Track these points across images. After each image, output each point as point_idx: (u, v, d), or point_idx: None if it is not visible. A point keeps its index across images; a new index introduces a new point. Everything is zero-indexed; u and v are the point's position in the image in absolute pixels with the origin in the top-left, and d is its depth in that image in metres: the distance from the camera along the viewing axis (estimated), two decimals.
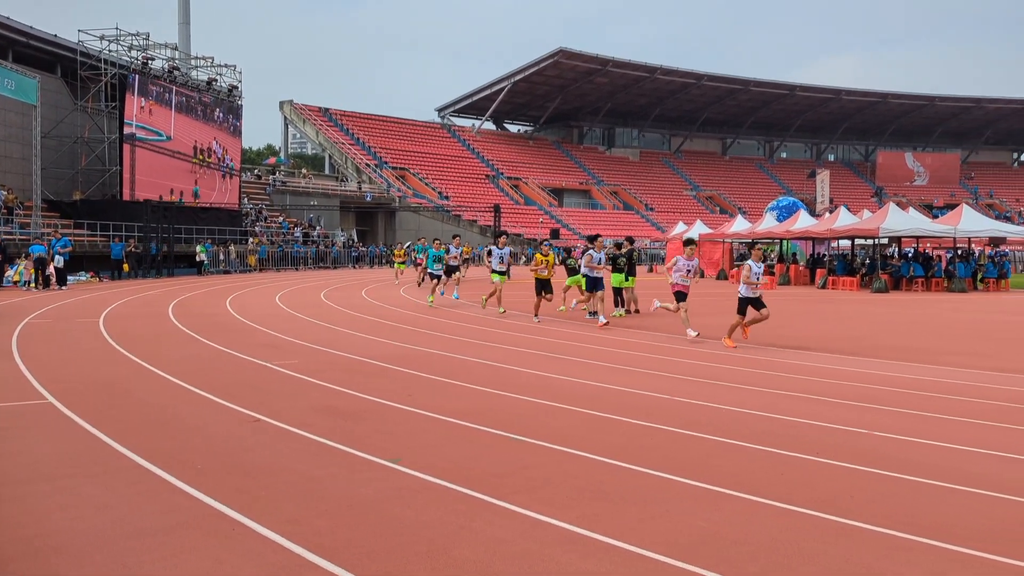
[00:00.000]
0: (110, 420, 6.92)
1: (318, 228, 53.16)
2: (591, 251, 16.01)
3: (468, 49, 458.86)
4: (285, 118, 71.39)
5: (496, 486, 5.11)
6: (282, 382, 8.94)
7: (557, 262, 18.81)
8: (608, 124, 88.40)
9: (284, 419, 7.00)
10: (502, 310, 17.67)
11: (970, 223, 29.87)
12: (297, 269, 44.14)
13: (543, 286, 16.38)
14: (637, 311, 17.95)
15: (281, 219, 51.75)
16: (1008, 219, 73.71)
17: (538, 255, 16.72)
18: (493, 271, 18.33)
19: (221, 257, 39.61)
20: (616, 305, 17.57)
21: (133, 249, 33.64)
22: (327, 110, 72.35)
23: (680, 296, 13.31)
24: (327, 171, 69.83)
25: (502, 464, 5.64)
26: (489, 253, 20.40)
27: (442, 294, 21.15)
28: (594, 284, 15.76)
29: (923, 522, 4.51)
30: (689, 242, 13.79)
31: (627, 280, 17.59)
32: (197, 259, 37.96)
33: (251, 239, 44.68)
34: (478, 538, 4.23)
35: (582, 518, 4.52)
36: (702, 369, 10.17)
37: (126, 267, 32.93)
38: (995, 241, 34.60)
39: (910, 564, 3.94)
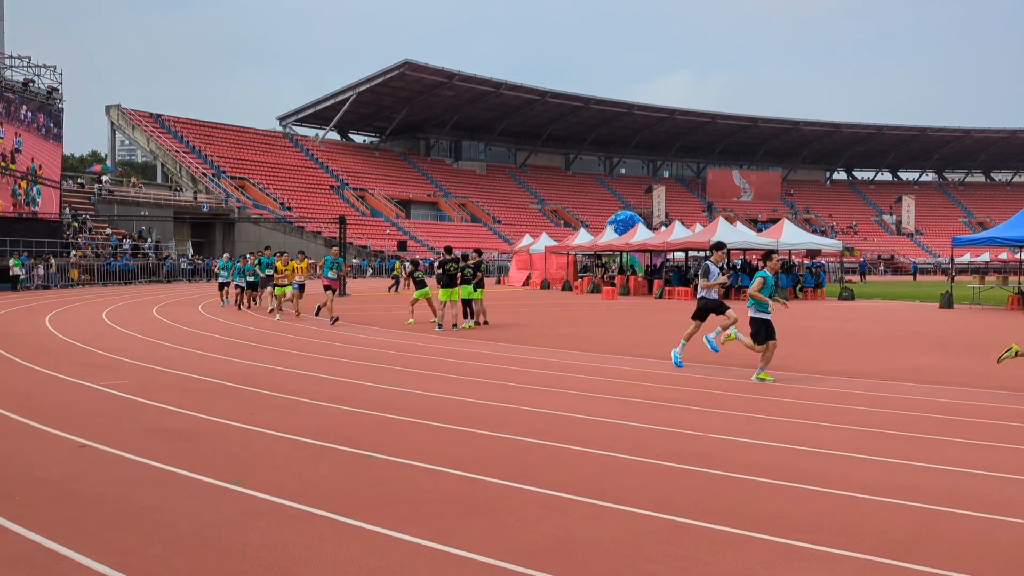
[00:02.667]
0: None
1: (149, 240, 50.26)
2: (708, 263, 11.80)
3: (312, 58, 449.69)
4: (112, 123, 67.15)
5: (345, 504, 5.00)
6: (111, 404, 8.38)
7: (404, 275, 18.74)
8: (455, 137, 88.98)
9: (114, 443, 6.56)
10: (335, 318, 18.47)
11: (791, 236, 32.34)
12: (127, 284, 41.55)
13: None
14: (486, 322, 18.13)
15: (108, 230, 48.56)
16: (823, 233, 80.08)
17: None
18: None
19: (40, 271, 36.67)
20: (465, 317, 17.67)
21: None
22: (159, 116, 68.69)
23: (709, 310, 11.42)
24: (159, 180, 66.20)
25: (351, 482, 5.53)
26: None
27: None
28: (717, 308, 11.63)
29: (754, 517, 4.80)
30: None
31: (475, 292, 17.73)
32: (11, 273, 34.95)
33: (74, 252, 41.65)
34: (326, 559, 4.12)
35: (433, 532, 4.50)
36: (549, 378, 10.39)
37: None
38: (812, 253, 37.57)
39: (742, 556, 4.17)
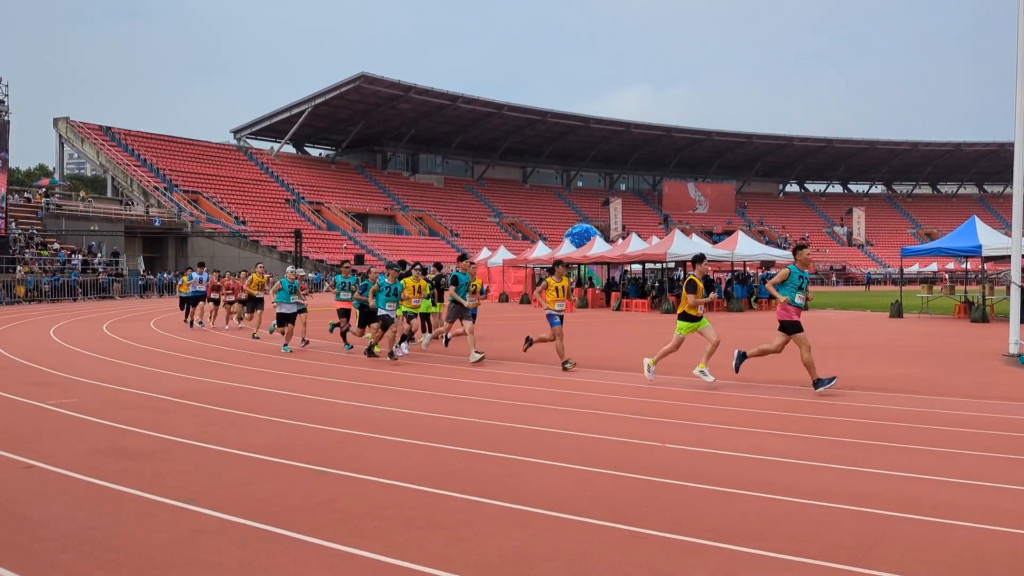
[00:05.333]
0: None
1: (99, 255, 49.21)
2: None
3: (266, 71, 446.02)
4: (60, 136, 65.75)
5: (302, 521, 4.93)
6: (59, 423, 8.17)
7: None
8: (412, 150, 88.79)
9: (61, 463, 6.40)
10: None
11: (745, 248, 32.85)
12: (75, 300, 40.63)
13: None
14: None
15: (56, 245, 47.44)
16: (778, 245, 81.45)
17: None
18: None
19: None
20: (424, 331, 17.58)
21: None
22: (109, 128, 67.45)
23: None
24: (109, 194, 64.90)
25: (308, 498, 5.46)
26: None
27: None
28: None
29: (708, 525, 4.85)
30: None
31: (435, 306, 17.66)
32: None
33: (20, 267, 40.62)
34: None
35: (391, 547, 4.47)
36: (506, 391, 10.39)
37: None
38: (766, 264, 38.17)
39: (698, 565, 4.21)
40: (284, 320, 15.76)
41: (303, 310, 16.24)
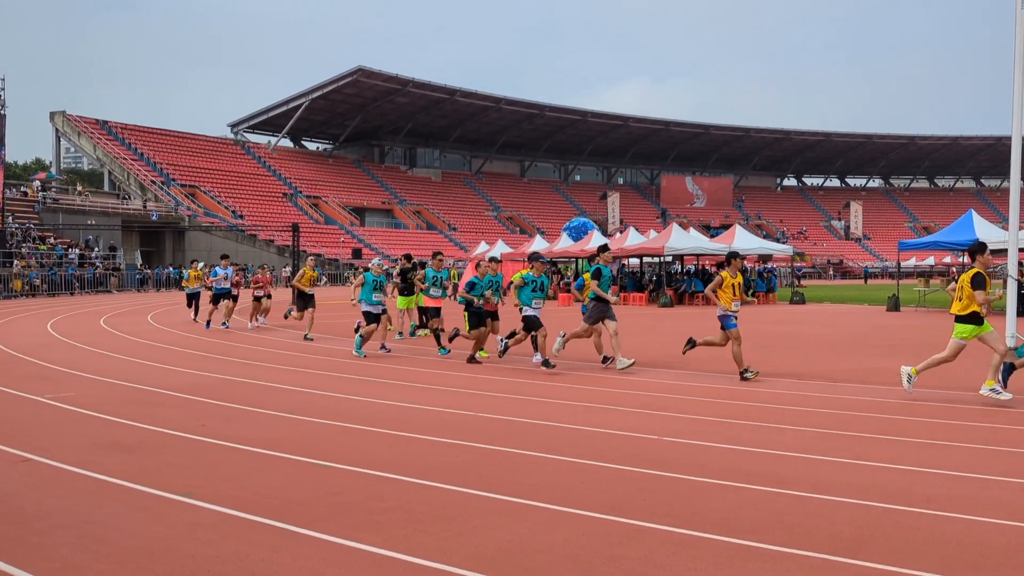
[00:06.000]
0: None
1: (96, 249, 49.13)
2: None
3: (263, 65, 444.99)
4: (57, 130, 65.56)
5: (301, 515, 4.94)
6: (57, 417, 8.17)
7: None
8: (410, 144, 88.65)
9: (59, 457, 6.40)
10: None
11: (742, 241, 32.83)
12: (72, 294, 40.58)
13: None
14: (443, 330, 18.04)
15: (53, 239, 47.35)
16: (776, 239, 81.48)
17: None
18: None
19: None
20: (421, 325, 17.58)
21: None
22: (106, 123, 67.29)
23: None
24: (106, 188, 64.78)
25: (307, 492, 5.47)
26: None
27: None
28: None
29: (706, 518, 4.87)
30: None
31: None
32: None
33: (17, 261, 40.55)
34: (282, 570, 4.07)
35: (391, 540, 4.48)
36: (503, 385, 10.40)
37: None
38: (763, 258, 38.19)
39: (696, 558, 4.23)
40: (371, 319, 13.65)
41: (384, 310, 14.02)
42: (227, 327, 19.11)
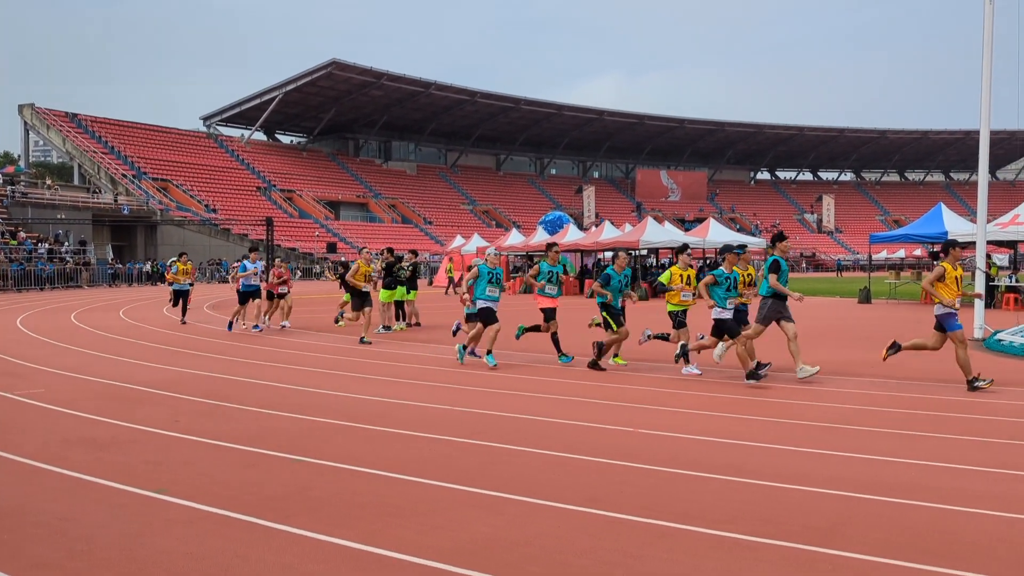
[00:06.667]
0: None
1: (66, 244, 48.43)
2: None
3: (236, 57, 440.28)
4: (26, 123, 64.46)
5: (276, 510, 4.92)
6: (26, 414, 8.06)
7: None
8: (385, 137, 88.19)
9: (30, 454, 6.32)
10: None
11: (716, 235, 33.13)
12: (43, 289, 39.99)
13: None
14: (418, 324, 18.05)
15: (22, 234, 46.59)
16: (750, 233, 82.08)
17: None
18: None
19: None
20: (397, 319, 17.56)
21: None
22: (75, 115, 66.24)
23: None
24: (76, 182, 63.83)
25: (281, 487, 5.45)
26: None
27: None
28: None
29: (681, 509, 4.91)
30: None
31: (408, 293, 17.65)
32: None
33: None
34: (256, 566, 4.05)
35: (366, 535, 4.47)
36: (481, 379, 10.40)
37: None
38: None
39: (671, 549, 4.27)
40: (490, 318, 11.56)
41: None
42: (259, 330, 17.06)
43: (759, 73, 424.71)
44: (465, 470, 5.85)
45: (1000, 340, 13.29)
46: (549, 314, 12.09)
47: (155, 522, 4.73)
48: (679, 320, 11.35)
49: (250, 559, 4.13)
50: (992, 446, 6.62)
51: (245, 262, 17.58)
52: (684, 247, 11.36)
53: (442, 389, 9.55)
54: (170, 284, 19.78)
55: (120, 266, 49.11)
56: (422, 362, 12.13)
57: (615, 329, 11.19)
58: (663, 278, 11.66)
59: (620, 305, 11.59)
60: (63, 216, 50.99)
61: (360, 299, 14.99)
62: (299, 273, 54.77)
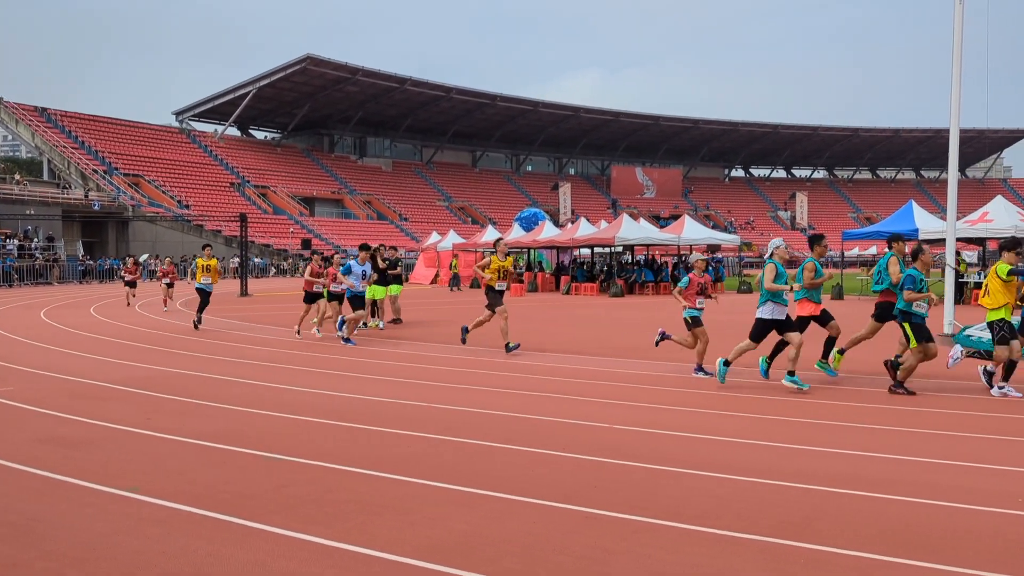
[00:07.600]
0: None
1: (36, 240, 47.71)
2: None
3: (209, 52, 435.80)
4: None
5: (250, 508, 4.88)
6: None
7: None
8: (360, 133, 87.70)
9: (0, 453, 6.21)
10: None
11: (691, 232, 33.29)
12: (11, 286, 39.37)
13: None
14: (399, 320, 18.01)
15: None
16: (724, 229, 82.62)
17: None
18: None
19: None
20: (372, 316, 17.47)
21: None
22: (45, 110, 65.23)
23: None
24: (46, 177, 62.88)
25: (256, 485, 5.40)
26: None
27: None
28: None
29: (657, 505, 4.93)
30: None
31: (391, 288, 17.61)
32: None
33: None
34: (230, 564, 4.01)
35: (342, 532, 4.45)
36: (458, 376, 10.38)
37: None
38: (712, 248, 38.67)
39: (648, 544, 4.28)
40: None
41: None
42: (351, 338, 13.94)
43: (735, 71, 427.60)
44: (440, 467, 5.83)
45: (969, 336, 13.47)
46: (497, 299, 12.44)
47: (127, 521, 4.67)
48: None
49: (224, 558, 4.09)
50: (962, 440, 6.72)
51: (351, 263, 14.11)
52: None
53: (416, 385, 9.51)
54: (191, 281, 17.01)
55: (91, 262, 48.45)
56: (397, 359, 12.08)
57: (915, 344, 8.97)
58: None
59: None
60: (32, 212, 50.20)
61: (494, 299, 12.56)
62: (273, 270, 54.36)
